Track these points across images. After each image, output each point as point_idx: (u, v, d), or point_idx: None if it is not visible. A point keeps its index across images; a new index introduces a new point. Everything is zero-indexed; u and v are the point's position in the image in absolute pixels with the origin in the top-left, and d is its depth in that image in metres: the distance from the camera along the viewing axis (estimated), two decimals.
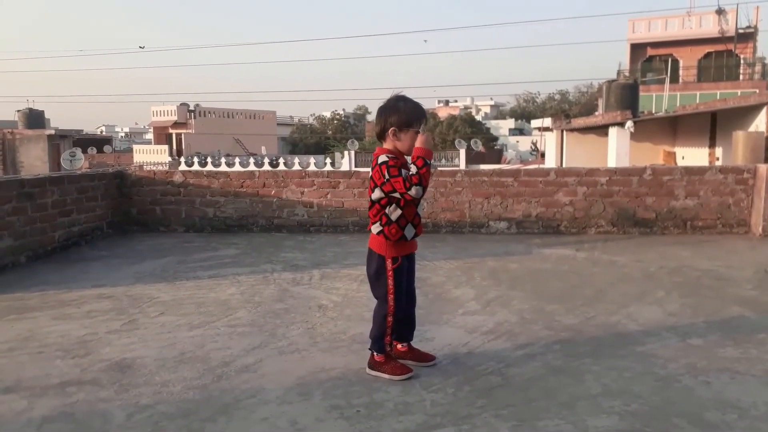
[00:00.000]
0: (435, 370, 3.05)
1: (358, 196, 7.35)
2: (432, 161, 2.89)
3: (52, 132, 27.67)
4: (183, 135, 64.03)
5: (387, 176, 2.81)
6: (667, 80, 29.42)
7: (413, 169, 2.80)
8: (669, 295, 4.43)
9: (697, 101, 24.60)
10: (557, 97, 74.12)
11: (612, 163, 16.52)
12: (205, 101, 73.25)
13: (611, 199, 7.19)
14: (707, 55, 37.22)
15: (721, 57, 36.85)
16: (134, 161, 44.32)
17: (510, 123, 75.12)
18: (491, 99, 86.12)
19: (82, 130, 45.54)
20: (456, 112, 68.48)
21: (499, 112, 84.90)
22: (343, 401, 2.71)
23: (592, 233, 7.16)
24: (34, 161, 25.78)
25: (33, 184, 5.98)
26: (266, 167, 34.07)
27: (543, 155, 28.05)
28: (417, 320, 3.18)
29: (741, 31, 36.07)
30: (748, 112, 15.04)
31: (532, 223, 7.28)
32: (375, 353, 3.00)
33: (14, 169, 25.39)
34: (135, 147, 58.13)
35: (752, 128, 14.46)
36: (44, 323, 3.89)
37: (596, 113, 24.32)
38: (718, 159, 16.86)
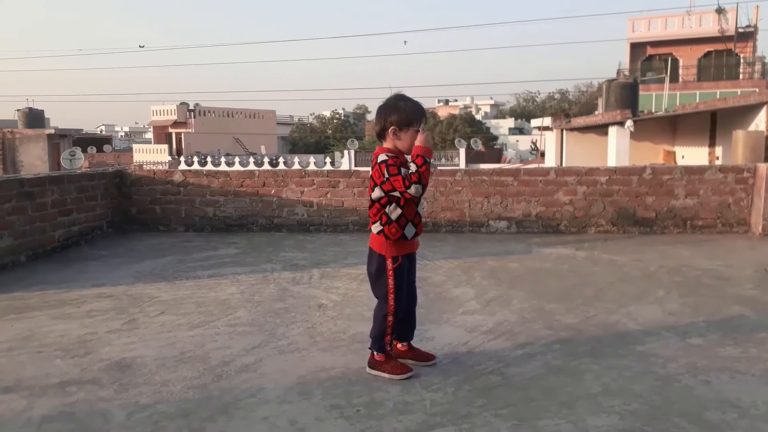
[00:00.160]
0: (435, 370, 3.05)
1: (358, 195, 7.35)
2: (432, 160, 2.89)
3: (52, 131, 27.67)
4: (183, 134, 64.02)
5: (386, 175, 2.81)
6: (667, 79, 29.41)
7: (413, 168, 2.80)
8: (669, 294, 4.43)
9: (697, 100, 24.60)
10: (557, 96, 74.13)
11: (612, 162, 16.53)
12: (204, 100, 73.41)
13: (611, 198, 7.19)
14: (707, 55, 37.22)
15: (721, 56, 36.86)
16: (134, 161, 44.32)
17: (510, 122, 75.13)
18: (491, 98, 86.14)
19: (81, 130, 45.50)
20: (456, 112, 68.48)
21: (498, 112, 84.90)
22: (343, 400, 2.71)
23: (592, 232, 7.16)
24: (33, 161, 25.79)
25: (33, 184, 5.98)
26: (266, 166, 34.08)
27: (543, 154, 28.05)
28: (417, 319, 3.18)
29: (741, 30, 36.09)
30: (748, 111, 15.04)
31: (532, 222, 7.28)
32: (375, 352, 3.00)
33: (14, 168, 25.40)
34: (135, 146, 58.11)
35: (752, 127, 14.46)
36: (44, 323, 3.89)
37: (596, 112, 24.33)
38: (718, 158, 16.87)
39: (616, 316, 3.90)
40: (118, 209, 7.54)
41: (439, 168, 8.33)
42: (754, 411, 2.57)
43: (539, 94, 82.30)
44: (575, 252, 6.04)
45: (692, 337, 3.47)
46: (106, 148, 47.13)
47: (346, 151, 35.93)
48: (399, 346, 3.12)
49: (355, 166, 30.32)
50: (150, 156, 49.20)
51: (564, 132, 21.46)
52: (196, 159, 40.45)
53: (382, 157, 2.86)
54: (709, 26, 36.45)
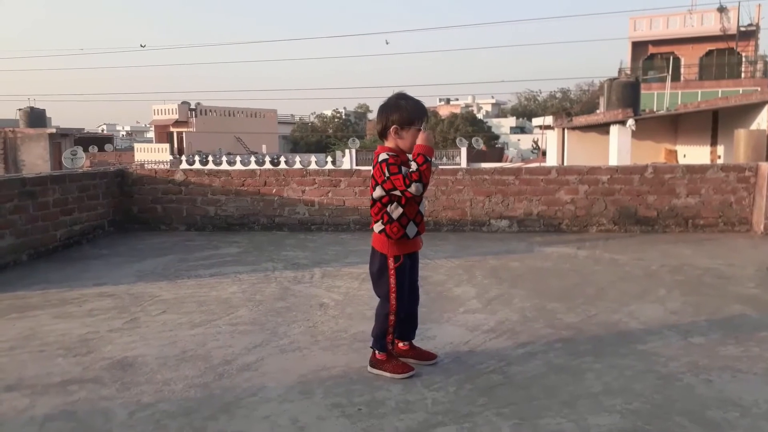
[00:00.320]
0: (436, 369, 3.05)
1: (359, 194, 7.35)
2: (433, 159, 2.88)
3: (54, 131, 27.66)
4: (184, 133, 64.05)
5: (387, 174, 2.81)
6: (669, 78, 29.37)
7: (413, 166, 2.80)
8: (670, 293, 4.42)
9: (699, 99, 24.56)
10: (558, 95, 73.99)
11: (613, 161, 16.51)
12: (206, 100, 73.40)
13: (613, 197, 7.18)
14: (709, 53, 37.17)
15: (723, 55, 36.81)
16: (135, 160, 44.34)
17: (511, 121, 75.01)
18: (492, 97, 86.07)
19: (83, 129, 45.57)
20: (457, 111, 68.43)
21: (500, 111, 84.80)
22: (345, 399, 2.71)
23: (594, 232, 7.16)
24: (35, 160, 25.80)
25: (34, 183, 5.98)
26: (267, 166, 34.11)
27: (544, 153, 28.04)
28: (418, 318, 3.18)
29: (743, 29, 36.03)
30: (750, 110, 15.02)
31: (534, 221, 7.28)
32: (376, 351, 3.00)
33: (16, 167, 25.42)
34: (136, 146, 58.12)
35: (754, 126, 14.44)
36: (46, 322, 3.89)
37: (597, 111, 24.30)
38: (719, 157, 16.85)
39: (617, 315, 3.89)
40: (119, 208, 7.55)
41: (440, 167, 8.33)
42: (755, 410, 2.57)
43: (541, 93, 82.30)
44: (576, 251, 6.04)
45: (694, 336, 3.47)
46: (108, 147, 47.24)
47: (347, 150, 35.91)
48: (400, 345, 3.12)
49: (357, 165, 30.33)
50: (151, 155, 49.21)
51: (565, 131, 21.44)
52: (197, 158, 40.43)
53: (383, 156, 2.86)
54: (711, 25, 36.40)
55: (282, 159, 39.84)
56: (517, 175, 7.34)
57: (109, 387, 2.87)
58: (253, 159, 38.52)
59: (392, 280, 2.93)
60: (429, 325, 3.65)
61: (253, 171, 7.75)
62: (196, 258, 5.88)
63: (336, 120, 78.55)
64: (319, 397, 2.73)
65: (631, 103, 18.01)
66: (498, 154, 42.54)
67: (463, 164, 30.70)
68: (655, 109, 25.62)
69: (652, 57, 38.26)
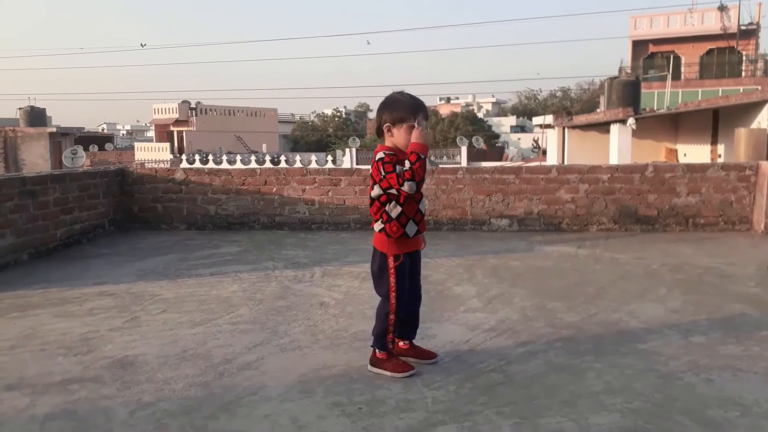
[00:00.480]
0: (437, 368, 3.05)
1: (360, 193, 7.35)
2: (427, 156, 2.86)
3: (54, 130, 27.68)
4: (184, 133, 64.01)
5: (383, 173, 2.81)
6: (669, 77, 29.33)
7: (406, 165, 2.79)
8: (671, 292, 4.42)
9: (699, 98, 24.55)
10: (559, 94, 73.96)
11: (614, 160, 16.51)
12: (206, 99, 73.41)
13: (613, 196, 7.18)
14: (709, 52, 37.16)
15: (723, 54, 36.79)
16: (136, 159, 44.31)
17: (511, 120, 74.97)
18: (493, 96, 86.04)
19: (83, 128, 45.57)
20: (457, 110, 68.39)
21: (500, 110, 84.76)
22: (345, 398, 2.71)
23: (594, 230, 7.16)
24: (35, 159, 25.81)
25: (35, 182, 5.98)
26: (268, 165, 34.09)
27: (544, 152, 28.03)
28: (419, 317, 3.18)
29: (743, 27, 36.02)
30: (751, 108, 15.02)
31: (534, 220, 7.28)
32: (377, 350, 3.00)
33: (16, 167, 25.43)
34: (136, 145, 58.06)
35: (754, 125, 14.44)
36: (46, 321, 3.90)
37: (598, 110, 24.28)
38: (720, 156, 16.85)
39: (617, 314, 3.89)
40: (119, 207, 7.55)
41: (440, 166, 8.33)
42: (756, 409, 2.57)
43: (541, 91, 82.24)
44: (577, 250, 6.04)
45: (694, 335, 3.47)
46: (108, 146, 47.17)
47: (347, 150, 35.93)
48: (401, 344, 3.12)
49: (357, 164, 30.33)
50: (152, 154, 49.18)
51: (566, 130, 21.43)
52: (197, 157, 40.42)
53: (379, 155, 2.86)
54: (712, 24, 36.38)
55: (282, 158, 39.84)
56: (517, 174, 7.34)
57: (110, 386, 2.88)
58: (253, 158, 38.53)
59: (392, 279, 2.92)
60: (429, 324, 3.65)
61: (253, 170, 7.74)
62: (196, 257, 5.88)
63: (336, 119, 78.52)
64: (319, 396, 2.73)
65: (631, 102, 18.01)
66: (498, 153, 42.54)
67: (464, 163, 30.69)
68: (655, 108, 25.62)
69: (652, 56, 38.25)
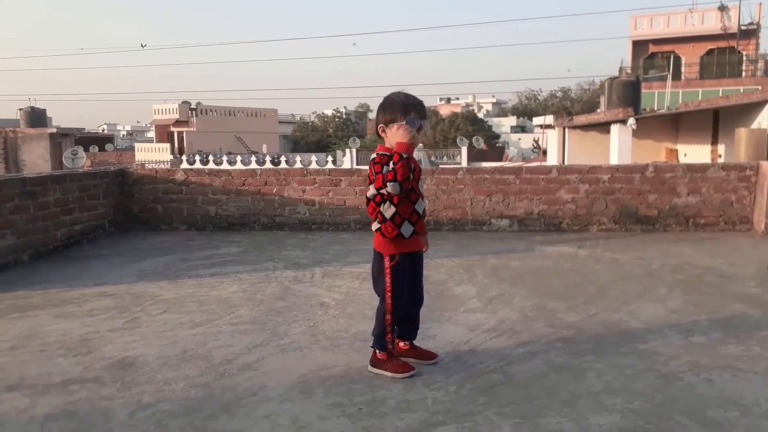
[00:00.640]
0: (437, 368, 3.05)
1: (360, 194, 7.35)
2: (411, 154, 2.82)
3: (54, 130, 27.66)
4: (184, 133, 64.04)
5: (374, 173, 2.83)
6: (669, 77, 29.35)
7: (390, 165, 2.79)
8: (671, 292, 4.42)
9: (700, 98, 24.55)
10: (559, 94, 73.97)
11: (614, 160, 16.51)
12: (206, 99, 73.41)
13: (613, 196, 7.18)
14: (709, 52, 37.15)
15: (724, 54, 36.79)
16: (136, 159, 44.34)
17: (512, 120, 74.94)
18: (493, 96, 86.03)
19: (83, 129, 45.56)
20: (458, 110, 68.38)
21: (500, 110, 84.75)
22: (345, 399, 2.71)
23: (594, 231, 7.16)
24: (36, 160, 25.81)
25: (35, 183, 5.99)
26: (268, 165, 34.09)
27: (545, 153, 28.02)
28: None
29: (743, 27, 36.02)
30: (751, 109, 15.01)
31: (534, 220, 7.27)
32: (377, 351, 3.00)
33: (16, 167, 25.43)
34: (137, 145, 58.10)
35: (755, 125, 14.44)
36: (46, 321, 3.90)
37: (598, 110, 24.28)
38: (720, 156, 16.84)
39: (618, 315, 3.89)
40: (120, 208, 7.55)
41: (441, 166, 8.33)
42: (756, 409, 2.56)
43: (541, 92, 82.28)
44: (577, 250, 6.04)
45: (694, 335, 3.47)
46: (108, 147, 47.21)
47: (347, 150, 35.91)
48: (401, 344, 3.12)
49: (357, 164, 30.33)
50: (152, 155, 49.20)
51: (566, 130, 21.43)
52: (197, 158, 40.41)
53: (373, 155, 2.89)
54: (712, 24, 36.38)
55: (282, 158, 39.82)
56: (517, 174, 7.34)
57: (110, 387, 2.88)
58: (253, 158, 38.51)
59: (388, 279, 2.92)
60: (429, 324, 3.65)
61: (253, 170, 7.75)
62: (196, 258, 5.88)
63: (336, 119, 78.52)
64: (319, 397, 2.73)
65: (631, 102, 18.01)
66: (498, 154, 42.52)
67: (464, 163, 30.68)
68: (655, 108, 25.62)
69: (652, 56, 38.24)
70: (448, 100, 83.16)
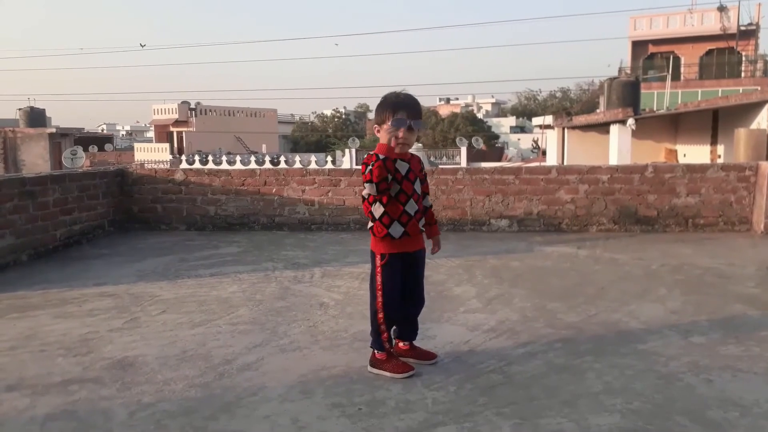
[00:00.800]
0: (436, 368, 3.05)
1: (359, 194, 7.35)
2: (388, 155, 2.84)
3: (54, 130, 27.63)
4: (184, 133, 64.03)
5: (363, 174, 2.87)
6: (669, 77, 29.36)
7: (369, 166, 2.82)
8: (671, 292, 4.42)
9: (699, 99, 24.56)
10: (558, 94, 74.00)
11: (613, 160, 16.51)
12: (206, 99, 73.43)
13: (613, 196, 7.18)
14: (709, 53, 37.18)
15: (723, 54, 36.83)
16: (135, 159, 44.33)
17: (511, 121, 74.93)
18: (492, 97, 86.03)
19: (83, 129, 45.56)
20: (457, 110, 68.39)
21: (500, 110, 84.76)
22: (345, 399, 2.71)
23: (594, 231, 7.16)
24: (35, 160, 25.78)
25: (34, 183, 5.98)
26: (267, 165, 34.08)
27: (544, 153, 28.03)
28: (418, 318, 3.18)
29: (743, 28, 36.05)
30: (750, 109, 15.03)
31: (534, 221, 7.28)
32: (376, 351, 3.00)
33: (16, 167, 25.40)
34: (136, 145, 58.10)
35: (754, 125, 14.45)
36: (46, 321, 3.89)
37: (598, 111, 24.29)
38: (719, 156, 16.86)
39: (617, 315, 3.89)
40: (119, 208, 7.55)
41: (440, 167, 8.33)
42: (756, 409, 2.57)
43: (541, 92, 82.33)
44: (577, 250, 6.04)
45: (694, 336, 3.47)
46: (108, 147, 47.24)
47: (347, 150, 35.88)
48: (401, 345, 3.12)
49: (356, 164, 30.31)
50: (151, 155, 49.20)
51: (565, 130, 21.44)
52: (197, 158, 40.38)
53: (366, 155, 2.92)
54: (711, 24, 36.40)
55: (282, 158, 39.80)
56: (517, 174, 7.34)
57: (110, 387, 2.87)
58: (253, 158, 38.48)
59: (378, 278, 2.93)
60: (429, 324, 3.65)
61: (253, 170, 7.75)
62: (196, 258, 5.88)
63: (336, 119, 78.52)
64: (319, 397, 2.73)
65: (631, 103, 18.01)
66: (498, 154, 42.54)
67: (463, 164, 30.65)
68: (655, 109, 25.62)
69: (652, 56, 38.27)
70: (448, 101, 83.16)
